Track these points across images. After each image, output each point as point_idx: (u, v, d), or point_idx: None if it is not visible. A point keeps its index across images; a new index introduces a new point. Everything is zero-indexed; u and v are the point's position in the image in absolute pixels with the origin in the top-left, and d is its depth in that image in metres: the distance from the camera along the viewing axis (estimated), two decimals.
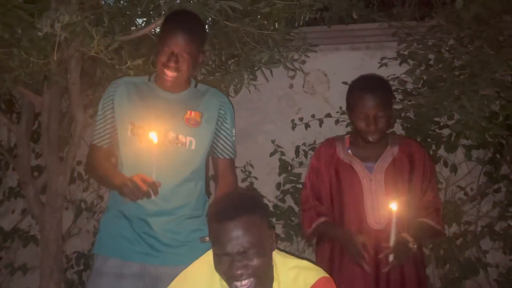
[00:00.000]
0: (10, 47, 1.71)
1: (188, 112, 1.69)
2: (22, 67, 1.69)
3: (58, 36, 1.60)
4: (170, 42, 1.62)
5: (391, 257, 1.67)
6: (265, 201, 2.84)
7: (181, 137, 1.66)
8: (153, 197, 1.52)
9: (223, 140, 1.77)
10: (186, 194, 1.68)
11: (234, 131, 1.81)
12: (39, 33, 1.69)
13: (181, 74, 1.65)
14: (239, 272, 1.27)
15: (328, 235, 1.86)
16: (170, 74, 1.63)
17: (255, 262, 1.28)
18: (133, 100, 1.69)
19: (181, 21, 1.67)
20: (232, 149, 1.80)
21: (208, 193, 1.82)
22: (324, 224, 1.84)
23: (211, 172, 1.90)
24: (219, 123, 1.75)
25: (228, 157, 1.79)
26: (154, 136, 1.55)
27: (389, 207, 1.68)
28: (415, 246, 1.69)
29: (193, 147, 1.68)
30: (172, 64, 1.62)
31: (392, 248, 1.67)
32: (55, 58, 1.68)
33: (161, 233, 1.64)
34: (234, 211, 1.30)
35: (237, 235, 1.27)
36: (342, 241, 1.78)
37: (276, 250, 1.42)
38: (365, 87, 1.79)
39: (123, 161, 1.70)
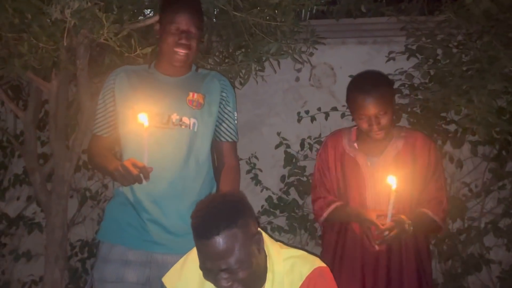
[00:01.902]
0: (20, 33, 1.71)
1: (191, 94, 1.69)
2: (31, 53, 1.69)
3: (68, 23, 1.60)
4: (178, 20, 1.64)
5: (386, 233, 1.67)
6: (269, 193, 2.86)
7: (185, 119, 1.65)
8: (144, 182, 1.50)
9: (226, 124, 1.77)
10: (192, 177, 1.67)
11: (236, 114, 1.80)
12: (48, 19, 1.69)
13: (192, 51, 1.67)
14: (225, 285, 1.24)
15: (340, 220, 1.87)
16: (182, 51, 1.64)
17: (240, 275, 1.24)
18: (134, 85, 1.69)
19: (184, 1, 1.71)
20: (235, 132, 1.80)
21: (216, 178, 1.80)
22: (333, 212, 1.86)
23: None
24: (222, 106, 1.75)
25: (231, 140, 1.79)
26: (145, 119, 1.52)
27: (386, 182, 1.67)
28: (411, 228, 1.69)
29: (196, 129, 1.67)
30: (184, 41, 1.63)
31: (389, 224, 1.67)
32: (65, 44, 1.67)
33: (167, 220, 1.63)
34: (211, 230, 1.21)
35: (217, 255, 1.21)
36: (355, 221, 1.80)
37: (271, 240, 1.40)
38: (364, 89, 1.76)
39: (125, 148, 1.69)
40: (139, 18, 2.18)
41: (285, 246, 1.44)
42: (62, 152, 2.17)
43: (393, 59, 2.56)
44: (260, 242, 1.31)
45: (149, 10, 2.30)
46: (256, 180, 2.85)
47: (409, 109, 2.51)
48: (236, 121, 1.80)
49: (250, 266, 1.25)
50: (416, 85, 2.50)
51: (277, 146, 2.85)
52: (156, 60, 1.76)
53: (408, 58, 2.50)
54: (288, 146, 2.85)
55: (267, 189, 2.86)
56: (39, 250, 3.08)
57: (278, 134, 2.86)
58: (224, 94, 1.75)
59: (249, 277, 1.25)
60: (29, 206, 3.12)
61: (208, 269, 1.24)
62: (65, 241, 2.26)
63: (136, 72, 1.73)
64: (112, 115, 1.71)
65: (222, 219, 1.23)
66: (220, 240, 1.21)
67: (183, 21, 1.63)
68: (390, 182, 1.66)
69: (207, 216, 1.25)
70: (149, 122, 1.54)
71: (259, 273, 1.31)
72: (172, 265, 1.44)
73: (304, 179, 2.80)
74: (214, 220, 1.23)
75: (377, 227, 1.69)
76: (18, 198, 3.14)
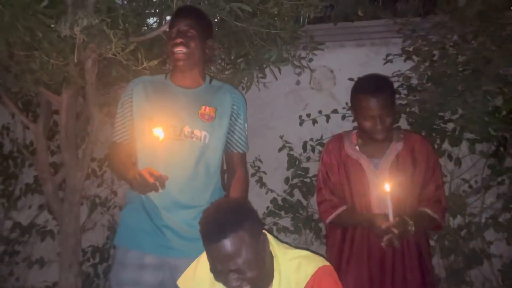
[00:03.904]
0: (31, 50, 1.78)
1: (203, 107, 1.76)
2: (43, 69, 1.76)
3: (77, 39, 1.67)
4: (176, 23, 1.73)
5: (393, 230, 1.72)
6: (274, 195, 2.92)
7: (196, 131, 1.73)
8: (160, 190, 1.57)
9: (237, 136, 1.84)
10: (202, 187, 1.74)
11: (246, 126, 1.88)
12: (57, 36, 1.76)
13: (190, 51, 1.72)
14: (234, 284, 1.31)
15: (347, 224, 1.93)
16: (178, 49, 1.70)
17: (249, 274, 1.31)
18: (150, 97, 1.76)
19: (184, 8, 1.82)
20: (245, 144, 1.88)
21: (224, 187, 1.88)
22: (340, 215, 1.92)
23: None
24: (233, 119, 1.82)
25: (241, 151, 1.86)
26: (160, 132, 1.59)
27: (383, 187, 1.74)
28: (413, 228, 1.76)
29: (207, 141, 1.74)
30: (179, 40, 1.70)
31: (392, 223, 1.73)
32: (75, 60, 1.75)
33: (179, 226, 1.70)
34: (219, 233, 1.29)
35: (226, 257, 1.29)
36: (364, 225, 1.85)
37: (277, 241, 1.48)
38: (369, 90, 1.83)
39: (140, 156, 1.77)
40: (143, 29, 2.26)
41: (290, 247, 1.51)
42: (73, 161, 2.24)
43: (391, 61, 2.62)
44: (265, 243, 1.39)
45: (152, 21, 2.37)
46: (261, 183, 2.91)
47: (407, 110, 2.57)
48: (246, 133, 1.87)
49: (257, 265, 1.33)
50: (414, 85, 2.56)
51: (280, 149, 2.90)
52: (172, 71, 1.83)
53: (405, 60, 2.56)
54: (291, 149, 2.91)
55: (271, 191, 2.92)
56: (51, 256, 3.16)
57: (281, 137, 2.91)
58: (235, 108, 1.82)
59: (256, 276, 1.33)
60: (41, 214, 3.20)
61: (219, 271, 1.32)
62: (78, 248, 2.33)
63: (152, 83, 1.80)
64: (130, 123, 1.79)
65: (228, 223, 1.31)
66: (228, 243, 1.29)
67: (181, 23, 1.71)
68: (386, 188, 1.73)
69: (214, 221, 1.33)
70: (163, 134, 1.61)
71: (265, 273, 1.39)
72: (184, 268, 1.52)
73: (308, 180, 2.86)
74: (221, 225, 1.31)
75: (382, 230, 1.75)
76: (29, 207, 3.22)
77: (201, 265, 1.49)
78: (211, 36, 1.85)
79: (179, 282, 1.51)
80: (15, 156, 3.21)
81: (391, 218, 1.73)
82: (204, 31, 1.77)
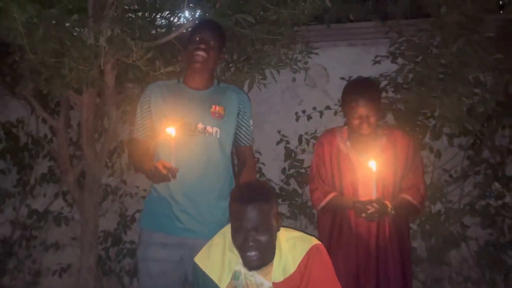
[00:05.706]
0: (60, 57, 1.99)
1: (213, 106, 2.00)
2: (71, 74, 1.98)
3: (103, 48, 1.89)
4: (200, 31, 1.97)
5: (372, 205, 1.96)
6: (272, 184, 3.11)
7: (208, 127, 1.97)
8: (172, 180, 1.81)
9: (243, 131, 2.10)
10: (215, 177, 1.99)
11: (251, 122, 2.13)
12: (83, 45, 1.98)
13: (209, 57, 1.96)
14: (250, 244, 1.62)
15: (337, 207, 2.17)
16: (199, 53, 1.93)
17: (262, 237, 1.62)
18: (166, 98, 2.00)
19: (209, 22, 2.06)
20: (251, 137, 2.14)
21: (235, 176, 2.13)
22: (330, 201, 2.17)
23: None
24: (240, 117, 2.07)
25: (248, 144, 2.12)
26: (172, 131, 1.84)
27: (369, 167, 1.98)
28: (393, 212, 2.02)
29: (218, 136, 1.99)
30: (203, 46, 1.93)
31: (373, 199, 1.97)
32: (102, 67, 1.97)
33: (196, 210, 1.95)
34: (253, 198, 1.66)
35: (253, 216, 1.62)
36: (350, 206, 2.08)
37: None
38: (357, 93, 2.08)
39: (159, 150, 2.00)
40: (152, 32, 2.46)
41: (288, 229, 1.79)
42: (93, 154, 2.47)
43: (379, 62, 2.85)
44: (279, 220, 1.72)
45: (162, 20, 2.57)
46: (260, 173, 3.13)
47: (393, 107, 2.81)
48: (252, 127, 2.12)
49: (271, 233, 1.65)
50: (400, 83, 2.79)
51: (278, 143, 3.12)
52: (184, 75, 2.07)
53: (392, 62, 2.79)
54: (287, 142, 3.12)
55: (270, 180, 3.13)
56: (66, 241, 3.40)
57: (279, 132, 3.13)
58: (241, 106, 2.07)
59: (266, 243, 1.64)
60: (55, 201, 3.42)
61: (242, 228, 1.63)
62: (96, 232, 2.57)
63: (168, 87, 2.04)
64: (148, 122, 2.03)
65: (261, 194, 1.68)
66: (257, 206, 1.64)
67: (205, 33, 1.95)
68: (370, 165, 1.99)
69: (252, 188, 1.72)
70: (179, 130, 1.86)
71: (272, 246, 1.69)
72: (200, 247, 1.80)
73: (303, 170, 3.08)
74: (255, 193, 1.68)
75: (363, 204, 2.00)
76: (44, 195, 3.44)
77: (215, 245, 1.77)
78: (224, 47, 2.07)
79: (196, 259, 1.78)
80: (30, 148, 3.42)
81: (374, 194, 1.98)
82: (221, 44, 2.03)
